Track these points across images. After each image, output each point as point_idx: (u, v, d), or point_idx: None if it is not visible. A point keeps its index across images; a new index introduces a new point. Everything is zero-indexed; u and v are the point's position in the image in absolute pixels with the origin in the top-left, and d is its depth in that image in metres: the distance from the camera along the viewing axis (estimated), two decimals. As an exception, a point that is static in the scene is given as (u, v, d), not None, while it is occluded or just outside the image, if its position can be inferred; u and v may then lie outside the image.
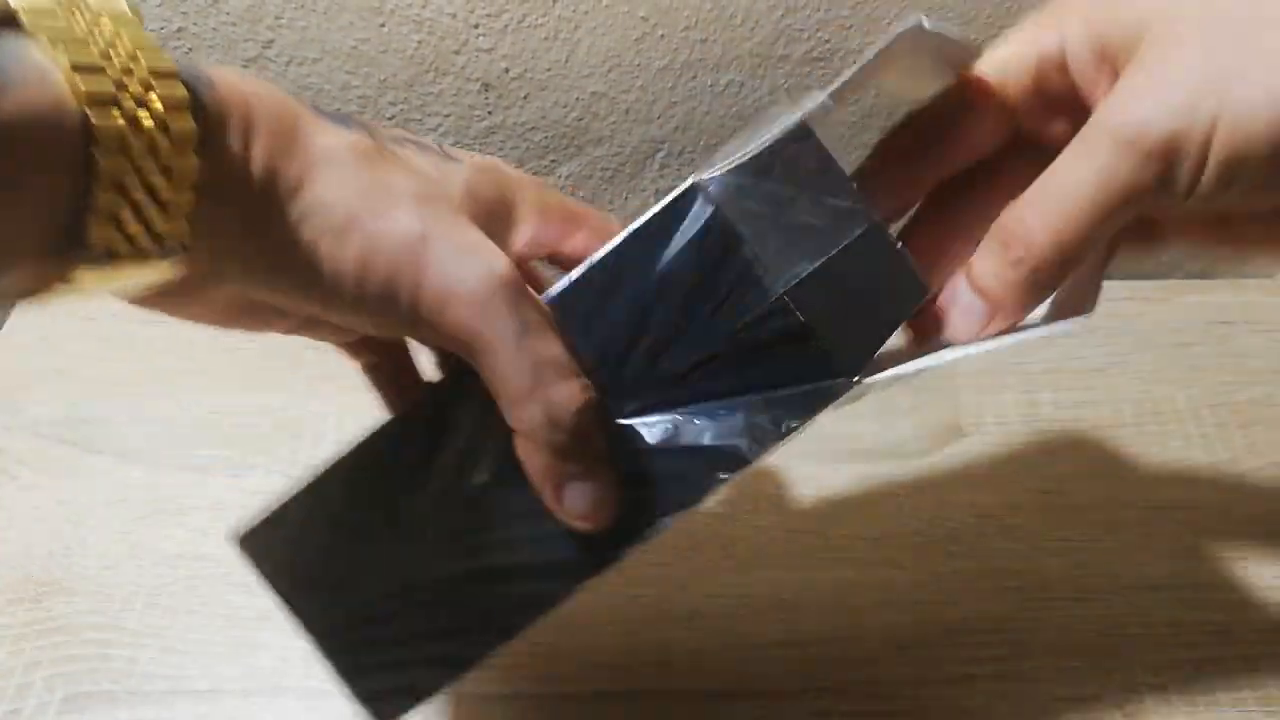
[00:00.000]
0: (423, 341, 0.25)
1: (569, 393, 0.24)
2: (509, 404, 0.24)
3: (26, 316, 0.50)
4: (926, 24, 0.25)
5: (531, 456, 0.24)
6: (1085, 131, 0.23)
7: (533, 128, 0.56)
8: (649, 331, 0.25)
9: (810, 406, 0.25)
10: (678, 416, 0.26)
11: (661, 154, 0.57)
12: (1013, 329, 0.27)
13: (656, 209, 0.26)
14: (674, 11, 0.51)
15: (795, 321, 0.25)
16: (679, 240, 0.25)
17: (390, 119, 0.55)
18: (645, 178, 0.58)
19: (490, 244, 0.24)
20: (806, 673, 0.36)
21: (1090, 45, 0.24)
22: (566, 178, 0.59)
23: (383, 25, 0.51)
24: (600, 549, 0.26)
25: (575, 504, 0.25)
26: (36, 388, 0.47)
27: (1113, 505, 0.42)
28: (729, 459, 0.26)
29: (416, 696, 0.27)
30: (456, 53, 0.52)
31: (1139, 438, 0.45)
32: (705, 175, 0.26)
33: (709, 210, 0.26)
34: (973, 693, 0.36)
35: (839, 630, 0.38)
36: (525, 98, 0.54)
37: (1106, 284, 0.56)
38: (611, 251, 0.26)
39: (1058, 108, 0.27)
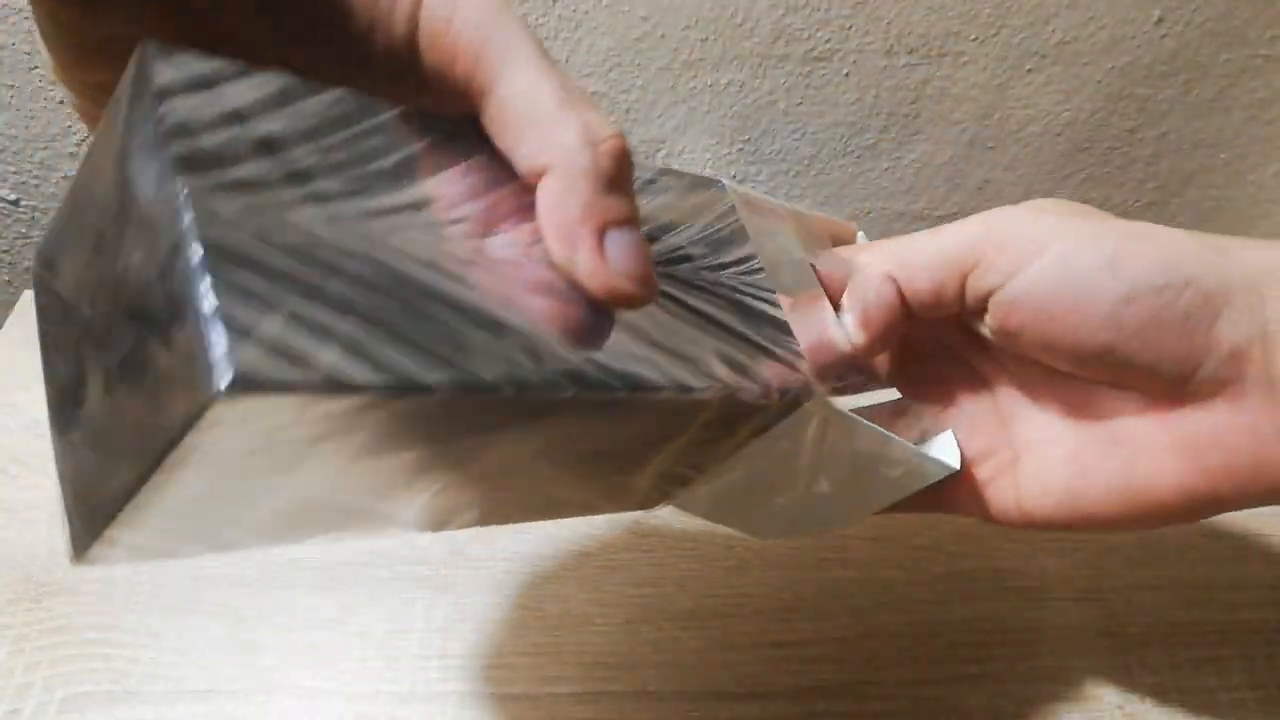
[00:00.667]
0: (404, 63, 0.20)
1: (604, 117, 0.19)
2: (535, 127, 0.19)
3: (26, 317, 0.50)
4: (860, 233, 0.29)
5: (565, 196, 0.19)
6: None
7: (533, 127, 0.56)
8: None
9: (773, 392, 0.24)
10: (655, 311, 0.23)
11: (662, 154, 0.57)
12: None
13: (685, 173, 0.26)
14: (674, 11, 0.51)
15: (780, 315, 0.25)
16: (692, 202, 0.25)
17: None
18: (645, 177, 0.58)
19: None
20: (806, 672, 0.37)
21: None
22: (566, 177, 0.59)
23: (382, 25, 0.51)
24: (563, 366, 0.19)
25: (624, 256, 0.19)
26: (36, 388, 0.46)
27: (1113, 505, 0.42)
28: (682, 373, 0.22)
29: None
30: (456, 52, 0.52)
31: (1139, 438, 0.45)
32: (732, 183, 0.27)
33: (728, 203, 0.26)
34: (972, 693, 0.36)
35: (839, 630, 0.38)
36: (525, 97, 0.54)
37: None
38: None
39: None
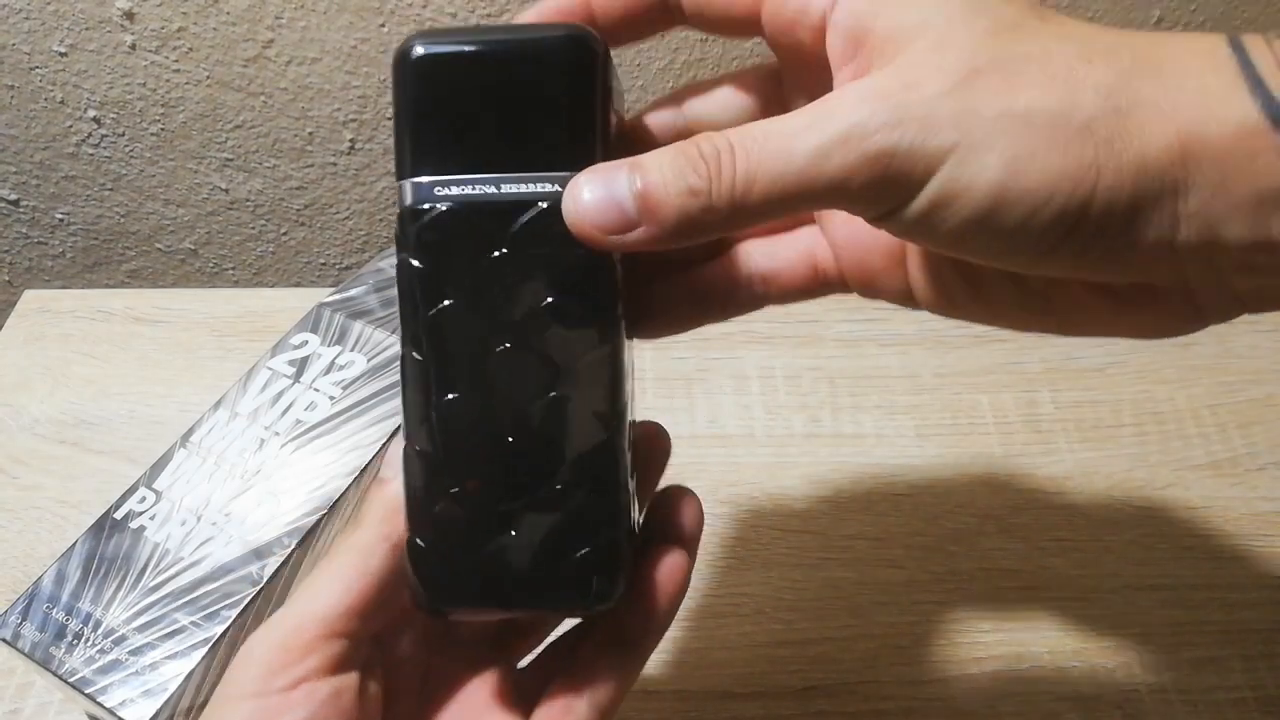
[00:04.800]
0: None
1: None
2: None
3: (26, 317, 0.50)
4: None
5: None
6: (828, 102, 0.20)
7: (533, 127, 0.56)
8: None
9: None
10: None
11: (661, 154, 0.57)
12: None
13: None
14: (674, 11, 0.51)
15: None
16: None
17: (390, 119, 0.55)
18: (645, 177, 0.58)
19: None
20: (806, 673, 0.37)
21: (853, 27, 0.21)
22: (566, 177, 0.59)
23: (383, 25, 0.51)
24: None
25: None
26: (36, 388, 0.47)
27: (1112, 505, 0.42)
28: None
29: None
30: (456, 52, 0.52)
31: (1138, 438, 0.45)
32: None
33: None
34: (972, 693, 0.36)
35: (839, 630, 0.38)
36: (525, 97, 0.54)
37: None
38: None
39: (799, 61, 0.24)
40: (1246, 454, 0.44)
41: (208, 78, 0.53)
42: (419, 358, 0.21)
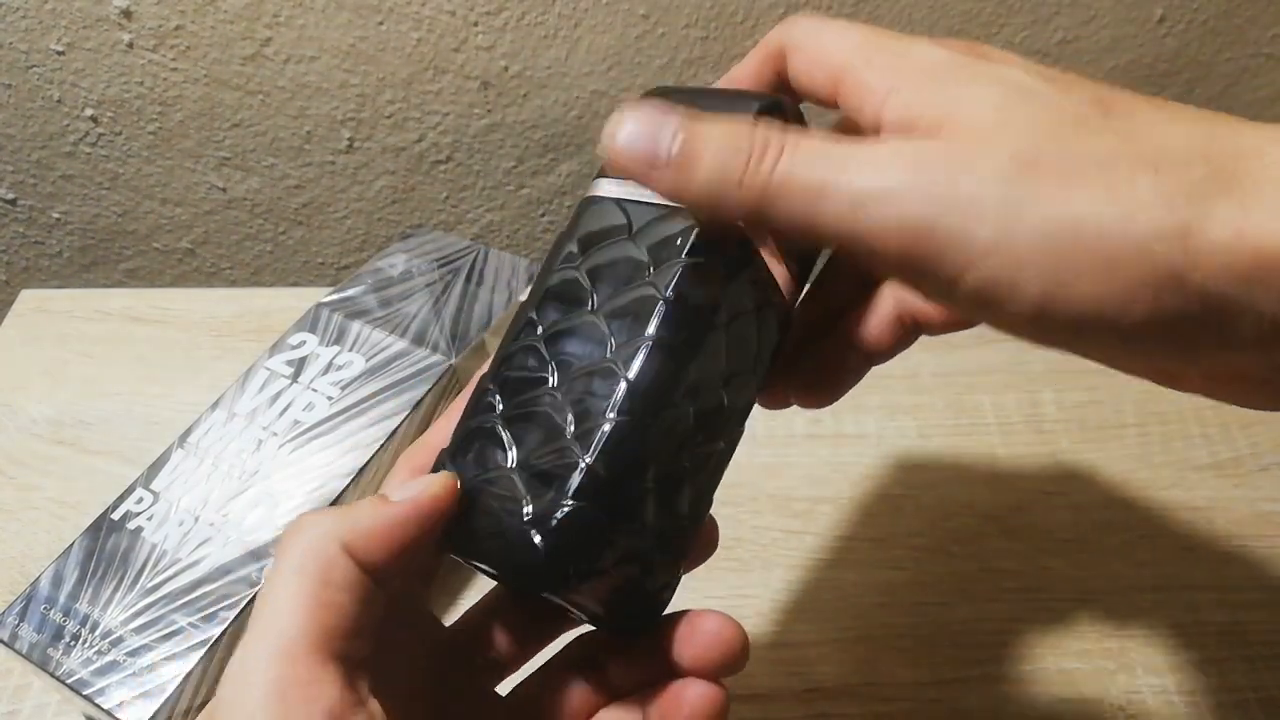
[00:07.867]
0: None
1: None
2: None
3: (24, 317, 0.50)
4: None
5: None
6: (882, 151, 0.19)
7: (532, 126, 0.56)
8: None
9: None
10: None
11: (661, 152, 0.57)
12: None
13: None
14: (674, 9, 0.51)
15: None
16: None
17: (388, 118, 0.55)
18: (645, 176, 0.58)
19: None
20: (806, 673, 0.36)
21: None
22: (566, 176, 0.59)
23: (381, 23, 0.51)
24: None
25: None
26: (34, 388, 0.46)
27: (1115, 506, 0.42)
28: None
29: None
30: (455, 50, 0.52)
31: (1141, 438, 0.45)
32: None
33: None
34: (974, 695, 0.36)
35: (839, 631, 0.38)
36: (525, 96, 0.54)
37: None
38: None
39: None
40: (1249, 454, 0.44)
41: (205, 76, 0.53)
42: (530, 313, 0.24)
